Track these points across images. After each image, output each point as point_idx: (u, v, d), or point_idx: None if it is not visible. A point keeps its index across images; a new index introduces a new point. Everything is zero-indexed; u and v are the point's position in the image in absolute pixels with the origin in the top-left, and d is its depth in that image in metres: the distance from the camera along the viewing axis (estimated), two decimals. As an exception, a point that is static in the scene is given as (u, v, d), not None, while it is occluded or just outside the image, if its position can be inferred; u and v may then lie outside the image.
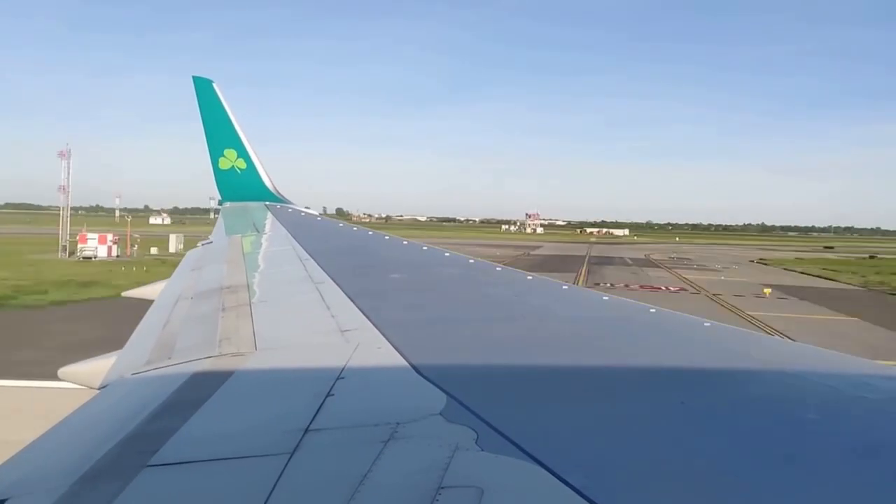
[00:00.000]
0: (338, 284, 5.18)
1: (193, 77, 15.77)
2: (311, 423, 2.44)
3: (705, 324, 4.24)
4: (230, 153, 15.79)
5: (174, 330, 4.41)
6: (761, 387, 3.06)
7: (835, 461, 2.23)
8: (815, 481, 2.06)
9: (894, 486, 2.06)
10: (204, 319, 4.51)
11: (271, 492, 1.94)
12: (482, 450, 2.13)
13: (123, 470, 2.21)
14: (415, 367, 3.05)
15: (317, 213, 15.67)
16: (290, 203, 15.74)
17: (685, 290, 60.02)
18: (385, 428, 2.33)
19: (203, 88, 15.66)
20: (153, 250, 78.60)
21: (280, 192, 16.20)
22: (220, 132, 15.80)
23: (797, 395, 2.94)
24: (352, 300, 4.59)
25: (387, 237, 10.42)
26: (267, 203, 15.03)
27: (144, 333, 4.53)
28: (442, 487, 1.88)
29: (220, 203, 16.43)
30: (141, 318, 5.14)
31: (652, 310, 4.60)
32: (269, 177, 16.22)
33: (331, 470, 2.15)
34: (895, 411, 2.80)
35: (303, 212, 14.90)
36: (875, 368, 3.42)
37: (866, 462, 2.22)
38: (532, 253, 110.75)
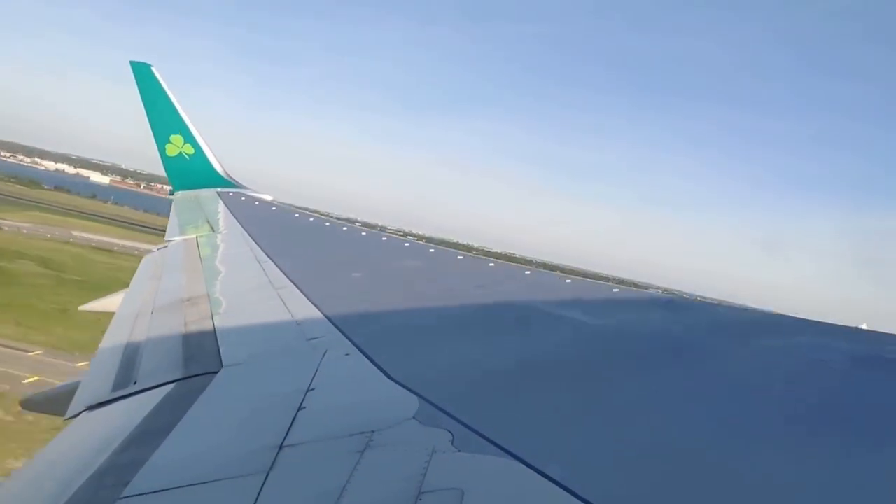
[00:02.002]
0: (299, 289, 5.14)
1: (131, 62, 14.82)
2: (284, 438, 2.44)
3: (671, 300, 4.37)
4: (176, 139, 15.05)
5: (137, 351, 4.31)
6: (733, 362, 3.22)
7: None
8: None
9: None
10: (166, 338, 4.42)
11: None
12: (459, 451, 2.16)
13: None
14: (385, 372, 3.06)
15: (269, 198, 15.03)
16: (242, 187, 15.00)
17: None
18: (360, 437, 2.35)
19: (142, 74, 14.78)
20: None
21: (231, 175, 15.43)
22: (163, 118, 15.00)
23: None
24: (315, 305, 4.56)
25: (344, 228, 10.27)
26: (219, 190, 14.30)
27: (107, 355, 4.42)
28: (422, 493, 1.90)
29: (171, 193, 15.80)
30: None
31: (615, 289, 4.70)
32: (218, 161, 15.44)
33: (308, 486, 2.15)
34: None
35: (256, 199, 14.35)
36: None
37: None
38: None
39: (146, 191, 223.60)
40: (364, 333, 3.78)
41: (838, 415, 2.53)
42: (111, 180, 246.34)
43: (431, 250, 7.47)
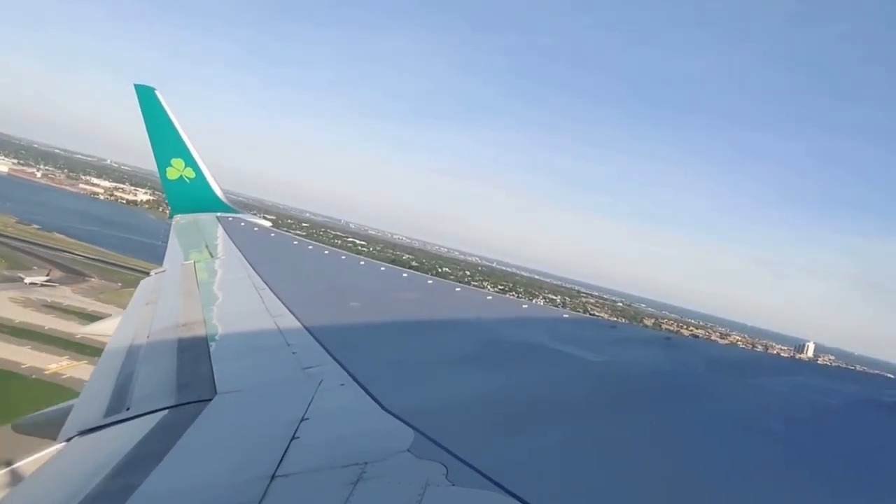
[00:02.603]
0: (296, 317, 5.15)
1: (135, 85, 15.03)
2: (277, 468, 2.43)
3: (671, 338, 4.40)
4: (177, 163, 15.23)
5: (131, 376, 4.30)
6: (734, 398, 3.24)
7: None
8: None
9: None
10: (161, 363, 4.41)
11: None
12: (453, 484, 2.16)
13: None
14: (380, 404, 3.06)
15: (268, 224, 15.23)
16: (240, 214, 15.22)
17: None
18: (353, 469, 2.34)
19: (146, 97, 14.99)
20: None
21: (230, 200, 15.68)
22: (165, 141, 15.18)
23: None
24: (312, 334, 4.56)
25: (343, 257, 10.32)
26: (218, 215, 14.47)
27: (101, 380, 4.40)
28: None
29: (170, 216, 15.96)
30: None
31: (615, 326, 4.73)
32: (219, 185, 15.65)
33: None
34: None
35: (255, 224, 14.52)
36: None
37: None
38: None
39: (45, 181, 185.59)
40: (360, 364, 3.78)
41: (835, 459, 2.53)
42: (10, 169, 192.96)
43: (430, 282, 7.50)
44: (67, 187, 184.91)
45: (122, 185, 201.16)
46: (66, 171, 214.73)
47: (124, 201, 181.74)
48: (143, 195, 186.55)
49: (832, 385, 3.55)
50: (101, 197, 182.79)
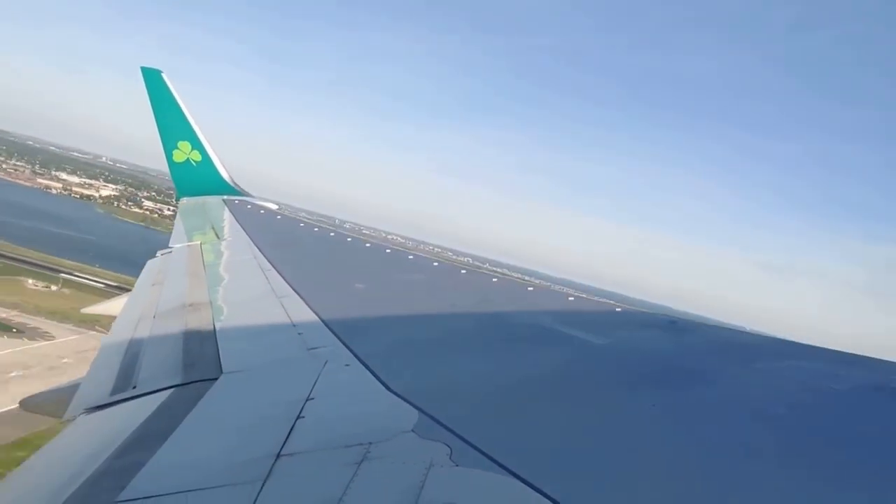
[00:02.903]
0: (302, 298, 5.15)
1: (142, 68, 15.03)
2: (282, 447, 2.45)
3: (676, 322, 4.38)
4: (184, 145, 15.24)
5: (137, 354, 4.32)
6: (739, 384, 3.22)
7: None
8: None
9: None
10: (167, 342, 4.43)
11: None
12: (457, 465, 2.16)
13: None
14: (385, 384, 3.07)
15: (274, 206, 15.24)
16: (247, 196, 15.22)
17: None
18: (358, 449, 2.35)
19: (152, 80, 14.99)
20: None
21: (237, 183, 15.66)
22: (172, 124, 15.20)
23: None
24: (317, 315, 4.56)
25: (349, 239, 10.31)
26: (225, 198, 14.48)
27: (107, 358, 4.42)
28: None
29: (176, 199, 15.88)
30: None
31: (619, 308, 4.70)
32: (225, 168, 15.66)
33: (304, 496, 2.15)
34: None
35: (262, 207, 14.56)
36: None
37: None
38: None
39: (2, 175, 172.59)
40: (365, 344, 3.79)
41: (838, 442, 2.52)
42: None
43: (435, 264, 7.48)
44: (24, 182, 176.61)
45: (92, 181, 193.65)
46: (36, 166, 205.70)
47: (78, 196, 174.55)
48: (106, 191, 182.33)
49: (839, 370, 3.53)
50: (54, 192, 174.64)
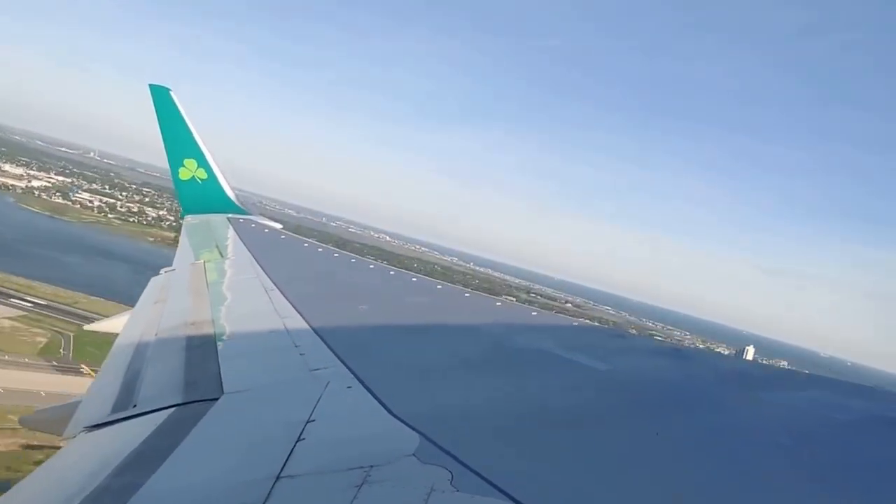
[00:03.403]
0: (305, 319, 5.15)
1: (150, 85, 15.19)
2: (282, 469, 2.43)
3: (680, 350, 4.37)
4: (190, 163, 15.37)
5: (139, 373, 4.31)
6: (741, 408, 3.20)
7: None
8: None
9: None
10: (168, 361, 4.42)
11: None
12: (457, 490, 2.15)
13: None
14: (386, 407, 3.05)
15: (279, 227, 15.40)
16: (252, 215, 15.36)
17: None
18: (358, 472, 2.33)
19: (160, 97, 15.15)
20: None
21: (242, 203, 15.83)
22: (178, 141, 15.35)
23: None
24: (319, 336, 4.56)
25: (353, 260, 10.34)
26: (229, 216, 14.62)
27: (108, 377, 4.41)
28: None
29: (181, 216, 16.07)
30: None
31: (625, 335, 4.68)
32: (230, 187, 15.80)
33: None
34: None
35: (266, 227, 14.66)
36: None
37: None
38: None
39: None
40: (367, 367, 3.77)
41: (840, 475, 2.49)
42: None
43: (439, 286, 7.48)
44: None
45: (39, 174, 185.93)
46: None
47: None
48: (40, 182, 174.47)
49: (839, 399, 3.50)
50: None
